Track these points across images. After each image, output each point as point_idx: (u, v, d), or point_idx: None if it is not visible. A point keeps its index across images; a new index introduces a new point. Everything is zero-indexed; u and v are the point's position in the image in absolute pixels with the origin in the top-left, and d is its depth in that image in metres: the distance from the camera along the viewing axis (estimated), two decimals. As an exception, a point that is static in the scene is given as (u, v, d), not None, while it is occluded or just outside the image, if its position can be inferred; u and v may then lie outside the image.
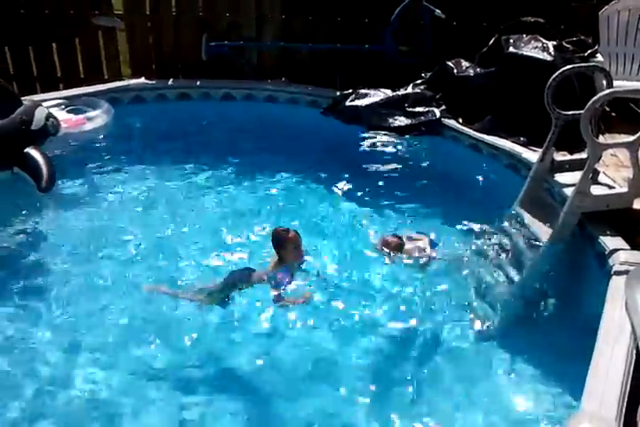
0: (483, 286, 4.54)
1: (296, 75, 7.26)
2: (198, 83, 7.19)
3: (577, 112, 4.21)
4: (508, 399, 3.74)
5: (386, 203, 5.67)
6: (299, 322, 4.26)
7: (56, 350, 4.06)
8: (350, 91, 6.59)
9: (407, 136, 6.25)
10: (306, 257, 4.69)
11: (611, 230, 4.13)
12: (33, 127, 5.54)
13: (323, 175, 6.09)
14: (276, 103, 7.01)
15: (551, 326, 4.14)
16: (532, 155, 5.14)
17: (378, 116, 6.34)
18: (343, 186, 5.93)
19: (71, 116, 6.18)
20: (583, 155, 4.38)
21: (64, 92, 6.99)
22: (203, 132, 6.80)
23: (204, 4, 7.34)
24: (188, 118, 6.83)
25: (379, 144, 6.31)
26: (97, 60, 7.59)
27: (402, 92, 6.46)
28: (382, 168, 6.12)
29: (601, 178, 4.45)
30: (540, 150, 4.65)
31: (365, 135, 6.36)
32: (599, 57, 6.04)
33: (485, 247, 4.82)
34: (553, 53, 5.78)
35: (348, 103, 6.48)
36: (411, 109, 6.31)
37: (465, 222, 5.22)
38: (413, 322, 4.29)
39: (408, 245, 4.87)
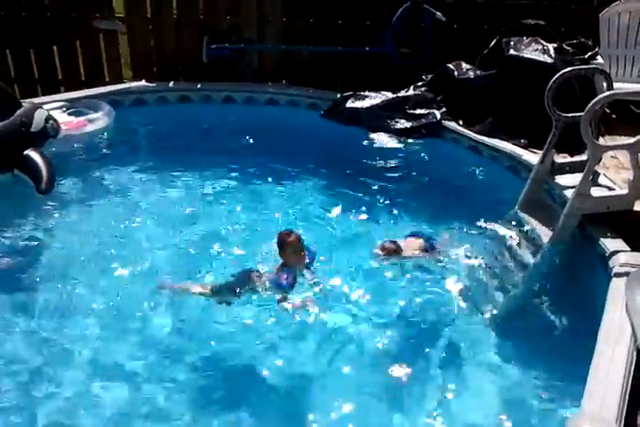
0: (483, 287, 4.54)
1: (297, 77, 7.28)
2: (199, 85, 7.21)
3: (577, 114, 4.22)
4: (509, 401, 3.74)
5: (386, 205, 5.67)
6: (299, 324, 4.26)
7: (56, 352, 4.07)
8: (351, 93, 6.61)
9: (408, 138, 6.25)
10: (307, 260, 4.68)
11: (611, 232, 4.13)
12: (33, 129, 5.55)
13: (323, 177, 6.09)
14: (277, 106, 7.03)
15: (551, 328, 4.13)
16: (532, 157, 5.15)
17: (378, 118, 6.36)
18: (343, 188, 5.92)
19: (72, 118, 6.20)
20: (583, 157, 4.39)
21: (65, 94, 7.02)
22: (204, 135, 6.80)
23: (204, 6, 7.36)
24: (188, 121, 6.83)
25: (379, 146, 6.31)
26: (98, 63, 7.61)
27: (402, 94, 6.49)
28: (383, 170, 6.12)
29: (601, 180, 4.46)
30: (541, 152, 4.65)
31: (366, 137, 6.36)
32: (599, 59, 6.05)
33: (486, 249, 4.82)
34: (553, 56, 5.80)
35: (348, 105, 6.50)
36: (411, 112, 6.34)
37: (465, 224, 5.22)
38: (412, 324, 4.30)
39: (405, 250, 4.86)
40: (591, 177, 4.14)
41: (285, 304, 4.36)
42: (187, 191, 5.99)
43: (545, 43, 5.94)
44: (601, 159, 4.30)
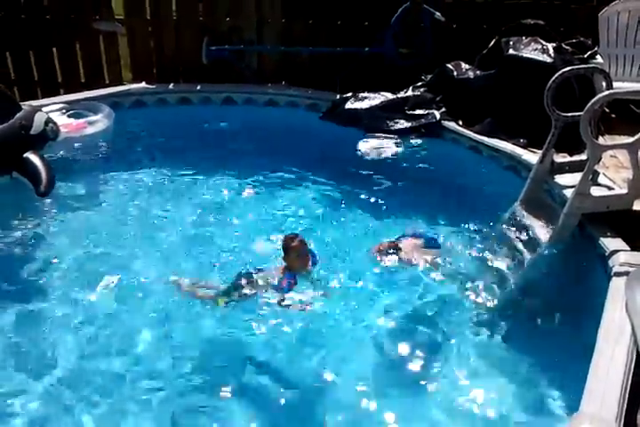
0: (482, 287, 4.54)
1: (296, 78, 7.28)
2: (199, 87, 7.21)
3: (577, 114, 4.22)
4: (508, 400, 3.73)
5: (386, 205, 5.68)
6: (299, 326, 4.26)
7: (57, 354, 4.07)
8: (350, 94, 6.61)
9: (407, 139, 6.25)
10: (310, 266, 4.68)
11: (611, 231, 4.12)
12: (32, 132, 5.54)
13: (322, 178, 6.10)
14: (277, 107, 7.02)
15: (551, 327, 4.13)
16: (531, 156, 5.15)
17: (378, 118, 6.35)
18: (343, 189, 5.94)
19: (72, 120, 6.18)
20: (583, 156, 4.39)
21: (65, 96, 7.01)
22: (204, 136, 6.81)
23: (204, 8, 7.36)
24: (188, 122, 6.83)
25: (379, 147, 6.31)
26: (98, 65, 7.61)
27: (402, 94, 6.48)
28: (382, 171, 6.12)
29: (601, 179, 4.46)
30: (540, 152, 4.65)
31: (365, 138, 6.36)
32: (599, 58, 6.05)
33: (485, 249, 4.81)
34: (552, 55, 5.79)
35: (347, 106, 6.50)
36: (411, 112, 6.33)
37: (465, 224, 5.23)
38: (411, 324, 4.30)
39: (404, 250, 4.85)
40: (591, 176, 4.14)
41: (284, 306, 4.36)
42: (186, 192, 6.00)
43: (544, 42, 5.93)
44: (600, 159, 4.30)
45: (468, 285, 4.60)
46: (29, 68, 7.57)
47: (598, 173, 4.43)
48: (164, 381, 3.90)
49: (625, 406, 2.77)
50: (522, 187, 4.75)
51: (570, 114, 4.42)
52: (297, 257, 4.56)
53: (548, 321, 4.16)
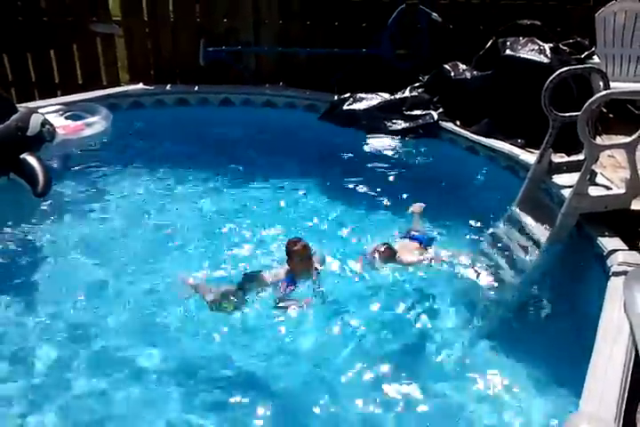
0: (481, 287, 4.54)
1: (294, 79, 7.28)
2: (196, 88, 7.21)
3: (574, 114, 4.22)
4: (507, 400, 3.74)
5: (383, 206, 5.68)
6: (300, 327, 4.27)
7: (58, 355, 4.06)
8: (348, 95, 6.61)
9: (405, 139, 6.27)
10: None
11: (609, 231, 4.14)
12: (28, 133, 5.56)
13: (320, 179, 6.09)
14: (275, 108, 7.03)
15: (549, 327, 4.14)
16: (529, 157, 5.16)
17: (375, 119, 6.37)
18: (341, 190, 5.93)
19: (69, 122, 6.19)
20: (580, 156, 4.39)
21: (62, 98, 7.01)
22: (201, 138, 6.80)
23: (201, 9, 7.36)
24: (186, 124, 6.82)
25: (377, 147, 6.32)
26: (95, 66, 7.61)
27: (399, 95, 6.50)
28: (380, 171, 6.13)
29: (598, 179, 4.47)
30: (538, 152, 4.66)
31: (363, 139, 6.37)
32: (596, 58, 6.07)
33: (483, 249, 4.82)
34: (550, 56, 5.81)
35: (345, 107, 6.50)
36: (408, 113, 6.35)
37: (462, 224, 5.24)
38: (409, 325, 4.30)
39: (400, 253, 4.84)
40: (588, 176, 4.16)
41: (279, 306, 4.38)
42: (185, 194, 5.99)
43: (541, 43, 5.94)
44: (598, 158, 4.32)
45: (465, 285, 4.61)
46: (27, 70, 7.56)
47: (596, 173, 4.44)
48: (167, 380, 3.91)
49: (623, 405, 2.78)
50: (519, 187, 4.75)
51: (567, 114, 4.42)
52: (300, 261, 4.57)
53: (547, 321, 4.17)
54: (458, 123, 6.17)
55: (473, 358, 4.09)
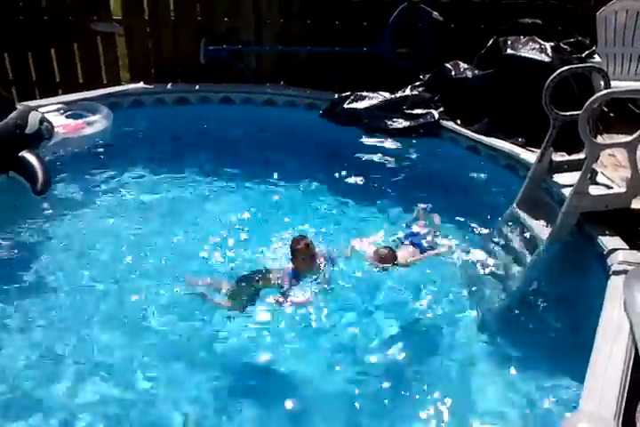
0: (481, 285, 4.54)
1: (294, 78, 7.28)
2: (197, 87, 7.21)
3: (575, 113, 4.22)
4: (507, 399, 3.74)
5: (384, 205, 5.67)
6: (301, 323, 4.28)
7: (59, 356, 4.07)
8: (348, 93, 6.60)
9: (406, 138, 6.26)
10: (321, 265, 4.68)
11: (609, 230, 4.14)
12: (27, 131, 5.56)
13: (321, 178, 6.08)
14: (275, 106, 7.03)
15: (550, 326, 4.13)
16: (530, 155, 5.16)
17: (376, 118, 6.36)
18: (342, 188, 5.93)
19: (70, 121, 6.19)
20: (581, 155, 4.39)
21: (63, 97, 7.01)
22: (202, 136, 6.81)
23: (202, 8, 7.36)
24: (187, 122, 6.83)
25: (377, 146, 6.32)
26: (96, 65, 7.60)
27: (400, 94, 6.49)
28: (381, 170, 6.13)
29: (599, 178, 4.47)
30: (539, 151, 4.65)
31: (364, 138, 6.37)
32: (597, 58, 6.07)
33: (483, 248, 4.81)
34: (551, 55, 5.81)
35: (346, 106, 6.50)
36: (409, 111, 6.33)
37: (463, 223, 5.24)
38: (410, 324, 4.31)
39: (400, 255, 4.84)
40: (589, 175, 4.15)
41: (283, 304, 4.40)
42: (185, 193, 5.98)
43: (542, 42, 5.94)
44: (599, 157, 4.31)
45: (466, 284, 4.61)
46: (28, 69, 7.56)
47: (597, 172, 4.44)
48: (168, 381, 3.92)
49: (623, 403, 2.78)
50: (520, 186, 4.74)
51: (568, 113, 4.42)
52: (302, 259, 4.58)
53: (547, 320, 4.17)
54: (459, 122, 6.17)
55: (472, 357, 4.09)
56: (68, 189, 5.85)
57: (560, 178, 4.56)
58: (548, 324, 4.14)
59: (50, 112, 6.10)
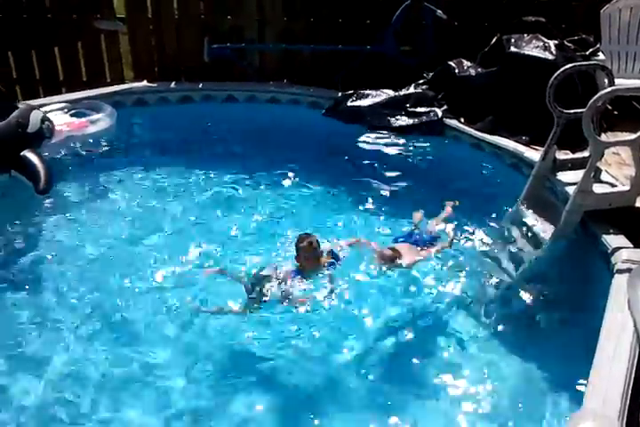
0: (484, 283, 4.54)
1: (298, 76, 7.28)
2: (200, 85, 7.21)
3: (579, 111, 4.20)
4: (510, 397, 3.73)
5: (388, 203, 5.65)
6: (303, 321, 4.28)
7: (59, 357, 4.06)
8: (352, 91, 6.61)
9: (409, 136, 6.26)
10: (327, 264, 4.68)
11: (613, 229, 4.13)
12: (29, 130, 5.58)
13: (325, 176, 6.07)
14: (279, 104, 7.03)
15: (553, 325, 4.12)
16: (534, 154, 5.15)
17: (380, 116, 6.37)
18: (345, 186, 5.92)
19: (74, 119, 6.20)
20: (585, 153, 4.37)
21: (67, 95, 7.02)
22: (206, 135, 6.81)
23: (205, 6, 7.36)
24: (190, 121, 6.83)
25: (381, 144, 6.32)
26: (99, 64, 7.61)
27: (404, 92, 6.50)
28: (384, 168, 6.11)
29: (603, 176, 4.46)
30: (542, 149, 4.64)
31: (368, 135, 6.37)
32: (601, 55, 6.06)
33: (487, 246, 4.81)
34: (554, 52, 5.80)
35: (349, 104, 6.50)
36: (412, 109, 6.34)
37: (467, 221, 5.21)
38: (411, 323, 4.30)
39: (404, 256, 4.83)
40: (593, 173, 4.13)
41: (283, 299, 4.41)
42: (189, 190, 5.98)
43: (546, 39, 5.94)
44: (603, 155, 4.29)
45: (469, 282, 4.60)
46: (31, 67, 7.56)
47: (601, 170, 4.43)
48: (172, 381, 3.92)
49: (627, 403, 2.77)
50: (524, 184, 4.73)
51: (572, 111, 4.40)
52: (305, 257, 4.59)
53: (551, 318, 4.16)
54: (462, 120, 6.17)
55: (475, 355, 4.10)
56: (70, 187, 5.84)
57: (564, 176, 4.55)
58: (550, 322, 4.13)
59: (54, 111, 6.10)
